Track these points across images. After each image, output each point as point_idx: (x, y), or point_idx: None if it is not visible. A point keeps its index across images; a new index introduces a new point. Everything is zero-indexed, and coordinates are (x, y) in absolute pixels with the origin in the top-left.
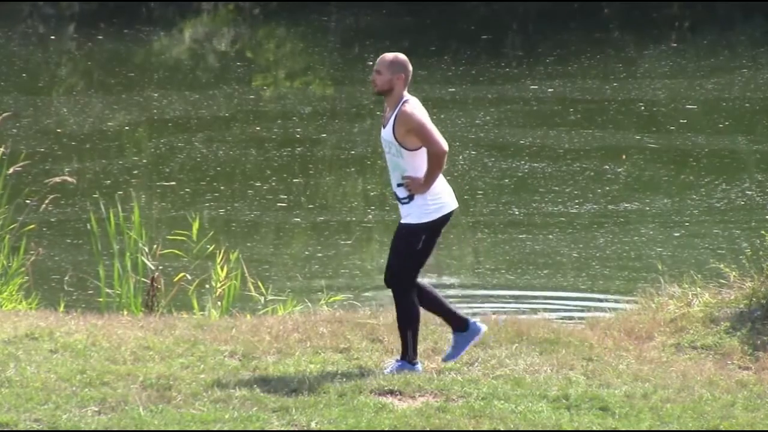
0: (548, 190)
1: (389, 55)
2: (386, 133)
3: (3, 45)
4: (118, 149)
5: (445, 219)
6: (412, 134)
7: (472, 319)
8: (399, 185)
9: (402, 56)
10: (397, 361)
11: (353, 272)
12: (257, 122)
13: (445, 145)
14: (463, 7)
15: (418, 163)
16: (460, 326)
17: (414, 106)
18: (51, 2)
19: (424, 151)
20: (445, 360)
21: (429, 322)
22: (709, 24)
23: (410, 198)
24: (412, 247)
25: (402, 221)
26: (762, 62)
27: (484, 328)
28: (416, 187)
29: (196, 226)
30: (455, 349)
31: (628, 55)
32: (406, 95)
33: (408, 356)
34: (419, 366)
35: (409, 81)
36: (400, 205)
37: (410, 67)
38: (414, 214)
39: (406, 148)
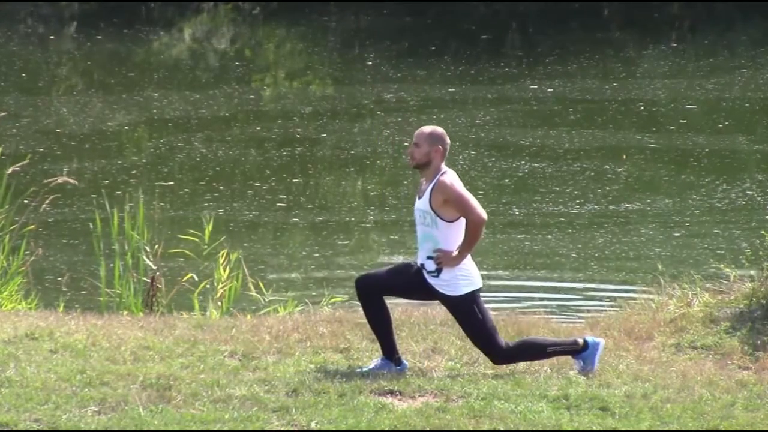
0: (548, 190)
1: (427, 129)
2: (422, 203)
3: (3, 45)
4: (118, 149)
5: (477, 293)
6: (449, 204)
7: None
8: (429, 258)
9: (440, 129)
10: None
11: (353, 272)
12: (257, 122)
13: (484, 215)
14: (463, 7)
15: (452, 234)
16: (390, 355)
17: (452, 177)
18: (51, 2)
19: (459, 223)
20: (362, 370)
21: (429, 322)
22: (709, 24)
23: (438, 272)
24: (476, 318)
25: (441, 291)
26: (762, 62)
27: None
28: (448, 260)
29: (209, 228)
30: (376, 368)
31: (627, 55)
32: (444, 167)
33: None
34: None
35: (447, 154)
36: (429, 278)
37: (448, 140)
38: (444, 288)
39: (442, 219)
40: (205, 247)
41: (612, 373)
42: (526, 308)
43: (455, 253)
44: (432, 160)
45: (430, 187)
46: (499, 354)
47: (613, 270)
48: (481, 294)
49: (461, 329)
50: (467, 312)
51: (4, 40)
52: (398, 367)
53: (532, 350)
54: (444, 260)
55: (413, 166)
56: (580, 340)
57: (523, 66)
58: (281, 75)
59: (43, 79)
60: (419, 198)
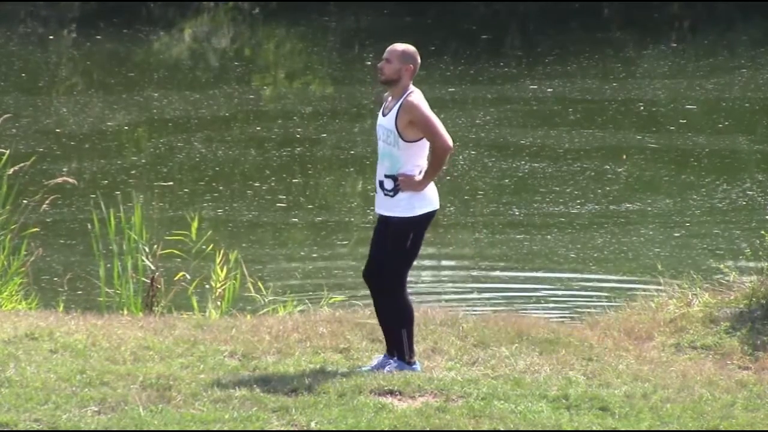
0: (548, 190)
1: (400, 46)
2: (387, 121)
3: (3, 45)
4: (118, 149)
5: (428, 217)
6: (414, 125)
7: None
8: (387, 176)
9: (412, 48)
10: (393, 360)
11: (353, 272)
12: (257, 122)
13: (450, 141)
14: (463, 7)
15: (413, 154)
16: (395, 354)
17: (419, 98)
18: (51, 2)
19: (420, 144)
20: (367, 369)
21: (429, 322)
22: (709, 24)
23: (394, 192)
24: (401, 244)
25: (386, 214)
26: (762, 62)
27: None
28: (410, 185)
29: (195, 225)
30: (377, 366)
31: (627, 55)
32: (412, 87)
33: (405, 356)
34: (417, 365)
35: (416, 73)
36: (381, 197)
37: (419, 60)
38: (400, 207)
39: (404, 139)
40: (191, 244)
41: (612, 373)
42: (525, 308)
43: (418, 177)
44: (401, 78)
45: (397, 105)
46: (392, 284)
47: (613, 270)
48: (434, 217)
49: (383, 247)
50: (401, 236)
51: (3, 40)
52: (411, 367)
53: (401, 317)
54: (406, 185)
55: (382, 82)
56: (414, 360)
57: (522, 66)
58: (281, 75)
59: (43, 79)
60: (384, 114)
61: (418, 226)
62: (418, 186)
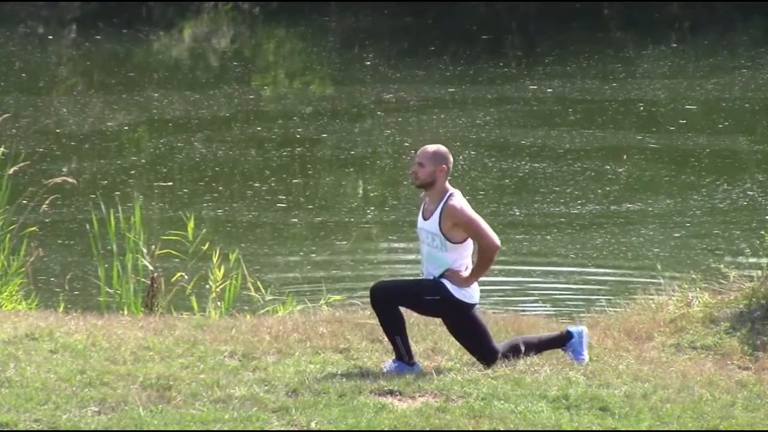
0: (549, 191)
1: (431, 147)
2: (430, 225)
3: (3, 45)
4: (118, 149)
5: (465, 306)
6: (459, 228)
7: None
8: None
9: (443, 148)
10: (393, 361)
11: (353, 272)
12: (257, 122)
13: (497, 240)
14: (463, 7)
15: (460, 255)
16: (564, 340)
17: (460, 200)
18: (51, 3)
19: (466, 244)
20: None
21: (429, 322)
22: (709, 24)
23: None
24: (426, 296)
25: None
26: (762, 62)
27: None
28: (457, 281)
29: (191, 225)
30: (577, 352)
31: (627, 55)
32: (450, 188)
33: (404, 358)
34: (418, 366)
35: (450, 172)
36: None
37: (451, 159)
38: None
39: (451, 242)
40: (188, 244)
41: (612, 373)
42: (525, 308)
43: (464, 273)
44: (436, 180)
45: (439, 210)
46: (384, 303)
47: (613, 270)
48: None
49: (411, 283)
50: (432, 294)
51: (3, 40)
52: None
53: (393, 325)
54: (453, 280)
55: (417, 186)
56: (414, 361)
57: (522, 66)
58: (281, 75)
59: (43, 79)
60: (425, 219)
61: (449, 305)
62: (464, 283)
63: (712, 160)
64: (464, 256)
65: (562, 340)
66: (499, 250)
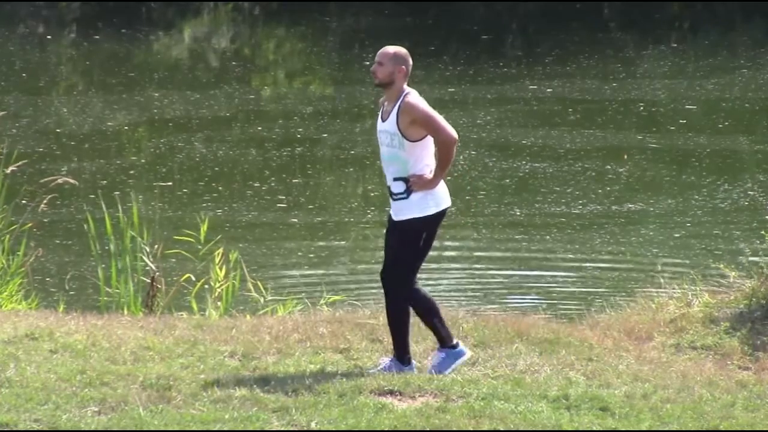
0: (550, 191)
1: (391, 48)
2: (388, 125)
3: (3, 45)
4: (118, 149)
5: (441, 215)
6: (416, 125)
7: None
8: (396, 179)
9: (403, 50)
10: (390, 359)
11: (353, 272)
12: (257, 122)
13: (453, 133)
14: (463, 7)
15: (418, 154)
16: (448, 342)
17: (416, 97)
18: (51, 2)
19: (425, 142)
20: (431, 372)
21: None
22: (709, 24)
23: (408, 193)
24: (412, 244)
25: (397, 218)
26: (762, 62)
27: (469, 353)
28: (423, 184)
29: (204, 227)
30: (442, 365)
31: (627, 55)
32: (407, 88)
33: (399, 355)
34: (412, 365)
35: (409, 74)
36: (392, 202)
37: (411, 61)
38: (412, 209)
39: (408, 139)
40: (200, 247)
41: (612, 373)
42: (525, 308)
43: (428, 175)
44: (395, 80)
45: (396, 108)
46: (398, 283)
47: (613, 270)
48: (445, 219)
49: (391, 251)
50: (415, 236)
51: (3, 40)
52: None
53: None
54: (418, 185)
55: (376, 85)
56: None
57: (522, 66)
58: (281, 75)
59: (44, 79)
60: (383, 120)
61: (432, 225)
62: (430, 184)
63: (712, 160)
64: (424, 156)
65: (445, 342)
66: (499, 247)
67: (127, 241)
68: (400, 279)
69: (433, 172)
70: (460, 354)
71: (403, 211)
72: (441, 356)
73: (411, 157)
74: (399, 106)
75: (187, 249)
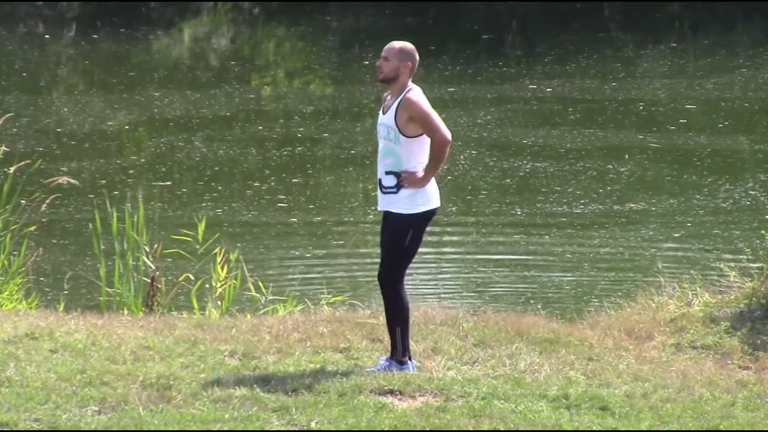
0: (550, 190)
1: (398, 43)
2: (387, 118)
3: (3, 45)
4: (118, 149)
5: (430, 214)
6: (414, 121)
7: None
8: (388, 173)
9: (410, 45)
10: (386, 359)
11: (353, 272)
12: (258, 122)
13: (448, 134)
14: (463, 7)
15: (413, 150)
16: (399, 356)
17: (418, 94)
18: (51, 2)
19: (420, 140)
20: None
21: (429, 322)
22: (709, 24)
23: (397, 188)
24: (400, 241)
25: (388, 209)
26: (761, 62)
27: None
28: (413, 181)
29: (202, 227)
30: (381, 366)
31: (627, 55)
32: (411, 84)
33: (396, 355)
34: (409, 365)
35: (415, 71)
36: (381, 195)
37: (417, 57)
38: (401, 204)
39: (404, 135)
40: (198, 247)
41: (612, 373)
42: (525, 308)
43: (420, 173)
44: (400, 75)
45: (396, 102)
46: (391, 280)
47: (613, 270)
48: (434, 216)
49: (383, 249)
50: (401, 232)
51: (3, 39)
52: (406, 366)
53: (397, 311)
54: (409, 181)
55: (380, 80)
56: (406, 359)
57: (522, 66)
58: (281, 74)
59: (44, 78)
60: (384, 113)
61: (419, 224)
62: (420, 182)
63: (713, 159)
64: (418, 154)
65: (399, 353)
66: (499, 247)
67: (131, 241)
68: (391, 276)
69: (424, 170)
70: (406, 369)
71: (392, 204)
72: (386, 364)
73: (405, 153)
74: (400, 101)
75: (187, 249)
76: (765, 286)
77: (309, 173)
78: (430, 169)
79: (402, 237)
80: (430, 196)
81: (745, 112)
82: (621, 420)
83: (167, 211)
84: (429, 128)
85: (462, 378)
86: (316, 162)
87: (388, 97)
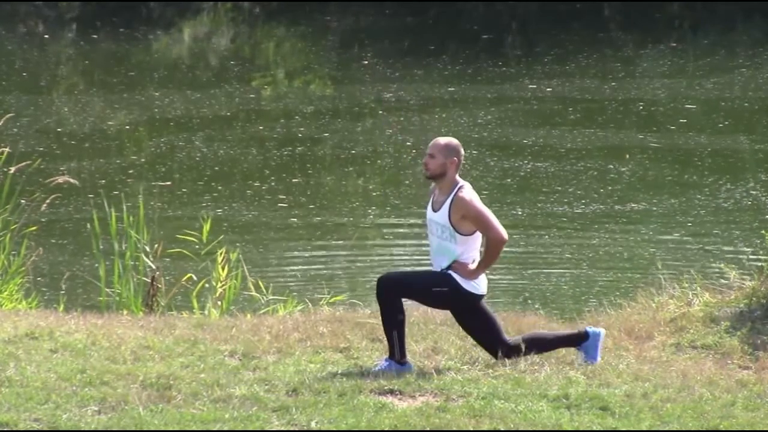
0: (551, 190)
1: (442, 140)
2: (440, 216)
3: (3, 45)
4: (118, 149)
5: (473, 298)
6: (468, 220)
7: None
8: (443, 269)
9: (455, 141)
10: (386, 360)
11: (353, 272)
12: (258, 122)
13: (504, 234)
14: (463, 7)
15: (468, 247)
16: (580, 339)
17: (470, 193)
18: (51, 2)
19: (476, 236)
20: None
21: (429, 322)
22: (709, 24)
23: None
24: (434, 285)
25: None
26: (761, 62)
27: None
28: (465, 273)
29: (207, 227)
30: (590, 354)
31: (627, 54)
32: (459, 180)
33: (395, 357)
34: (409, 365)
35: (461, 165)
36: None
37: (462, 151)
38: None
39: (460, 233)
40: (198, 247)
41: (612, 373)
42: (526, 308)
43: (472, 266)
44: (447, 172)
45: (449, 201)
46: (391, 294)
47: (614, 269)
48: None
49: (419, 274)
50: (443, 283)
51: (3, 39)
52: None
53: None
54: (459, 272)
55: (428, 177)
56: (405, 361)
57: (522, 66)
58: (281, 74)
59: (44, 78)
60: (435, 210)
61: (459, 297)
62: (471, 275)
63: (713, 159)
64: (472, 248)
65: (578, 340)
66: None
67: (132, 241)
68: (398, 291)
69: (476, 263)
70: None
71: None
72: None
73: (460, 249)
74: (452, 200)
75: (187, 248)
76: (765, 286)
77: (309, 173)
78: (483, 265)
79: (437, 285)
80: (479, 283)
81: (745, 112)
82: (621, 420)
83: (167, 211)
84: (483, 227)
85: (462, 378)
86: (317, 162)
87: (436, 191)
